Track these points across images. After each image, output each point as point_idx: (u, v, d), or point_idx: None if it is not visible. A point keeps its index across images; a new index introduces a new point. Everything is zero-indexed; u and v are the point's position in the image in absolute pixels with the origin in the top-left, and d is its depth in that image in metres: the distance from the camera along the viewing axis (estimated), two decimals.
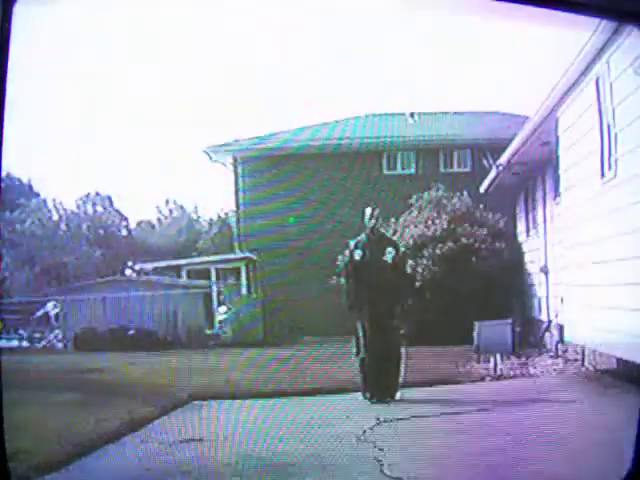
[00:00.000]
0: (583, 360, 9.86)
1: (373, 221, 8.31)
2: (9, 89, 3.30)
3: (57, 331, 15.91)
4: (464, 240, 13.89)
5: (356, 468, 5.46)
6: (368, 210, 8.35)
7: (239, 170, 17.95)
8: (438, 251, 13.66)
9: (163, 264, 18.33)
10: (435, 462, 5.45)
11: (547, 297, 12.51)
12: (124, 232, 23.95)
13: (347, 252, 8.49)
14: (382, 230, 8.73)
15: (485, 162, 16.08)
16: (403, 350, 8.34)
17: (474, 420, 6.99)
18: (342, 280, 8.75)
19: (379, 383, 8.05)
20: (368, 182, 16.58)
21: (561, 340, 11.17)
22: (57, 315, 16.35)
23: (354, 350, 8.28)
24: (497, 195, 14.93)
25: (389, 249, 8.23)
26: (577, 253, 9.45)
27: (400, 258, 8.42)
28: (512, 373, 9.90)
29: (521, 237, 15.19)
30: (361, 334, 8.15)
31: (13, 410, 4.02)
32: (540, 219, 13.04)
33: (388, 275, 8.16)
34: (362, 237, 8.42)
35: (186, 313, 15.52)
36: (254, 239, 17.27)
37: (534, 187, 13.57)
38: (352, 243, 8.47)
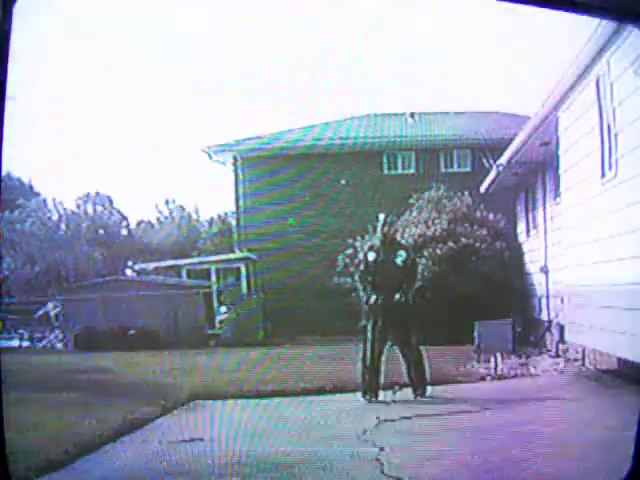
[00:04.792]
0: (583, 360, 9.86)
1: (386, 227, 8.50)
2: (9, 89, 3.30)
3: (57, 331, 15.91)
4: (464, 240, 13.89)
5: (356, 468, 5.46)
6: (382, 216, 8.60)
7: (239, 170, 17.95)
8: (438, 251, 13.66)
9: (163, 264, 18.34)
10: (435, 462, 5.45)
11: (547, 297, 12.51)
12: (124, 232, 23.97)
13: (361, 255, 8.78)
14: (395, 235, 8.92)
15: (485, 162, 16.07)
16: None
17: (474, 420, 6.99)
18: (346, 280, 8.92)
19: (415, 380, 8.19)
20: (369, 182, 16.60)
21: (561, 340, 11.17)
22: (57, 315, 16.35)
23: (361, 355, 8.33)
24: (497, 195, 14.94)
25: (400, 252, 8.43)
26: (577, 253, 9.45)
27: (411, 261, 8.61)
28: (512, 373, 9.90)
29: (521, 237, 15.19)
30: (369, 336, 8.24)
31: (13, 410, 4.01)
32: (540, 219, 13.04)
33: (399, 276, 8.33)
34: (375, 241, 8.78)
35: (186, 313, 15.51)
36: (254, 239, 17.27)
37: (534, 187, 13.57)
38: (366, 246, 8.97)
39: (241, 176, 17.89)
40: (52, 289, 18.04)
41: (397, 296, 8.21)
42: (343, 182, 16.88)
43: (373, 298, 8.29)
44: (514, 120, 14.02)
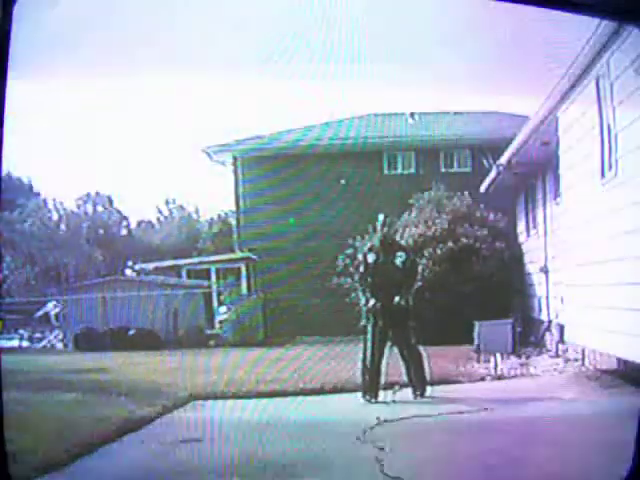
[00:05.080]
0: (583, 360, 9.86)
1: (386, 228, 8.51)
2: (9, 89, 3.30)
3: (57, 331, 15.92)
4: (464, 240, 13.90)
5: (356, 468, 5.46)
6: (381, 217, 8.58)
7: (239, 170, 17.96)
8: (438, 251, 13.67)
9: (163, 264, 18.36)
10: (435, 462, 5.45)
11: (547, 297, 12.51)
12: (124, 232, 23.98)
13: (360, 256, 8.82)
14: (394, 236, 8.94)
15: (485, 162, 16.08)
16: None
17: (474, 420, 6.99)
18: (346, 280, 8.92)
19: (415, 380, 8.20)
20: (369, 182, 16.60)
21: (561, 340, 11.18)
22: (57, 315, 16.37)
23: (361, 355, 8.34)
24: (497, 195, 14.94)
25: (400, 253, 8.44)
26: (577, 253, 9.45)
27: (411, 262, 8.61)
28: (512, 373, 9.90)
29: (521, 237, 15.20)
30: (369, 336, 8.26)
31: (13, 410, 4.01)
32: (540, 219, 13.04)
33: (399, 278, 8.33)
34: (375, 242, 8.73)
35: (186, 313, 15.52)
36: (254, 239, 17.27)
37: (534, 187, 13.58)
38: (365, 247, 8.88)
39: (241, 176, 17.90)
40: (52, 289, 18.06)
41: (397, 299, 8.21)
42: (343, 182, 16.89)
43: (373, 299, 8.29)
44: (514, 120, 14.01)
